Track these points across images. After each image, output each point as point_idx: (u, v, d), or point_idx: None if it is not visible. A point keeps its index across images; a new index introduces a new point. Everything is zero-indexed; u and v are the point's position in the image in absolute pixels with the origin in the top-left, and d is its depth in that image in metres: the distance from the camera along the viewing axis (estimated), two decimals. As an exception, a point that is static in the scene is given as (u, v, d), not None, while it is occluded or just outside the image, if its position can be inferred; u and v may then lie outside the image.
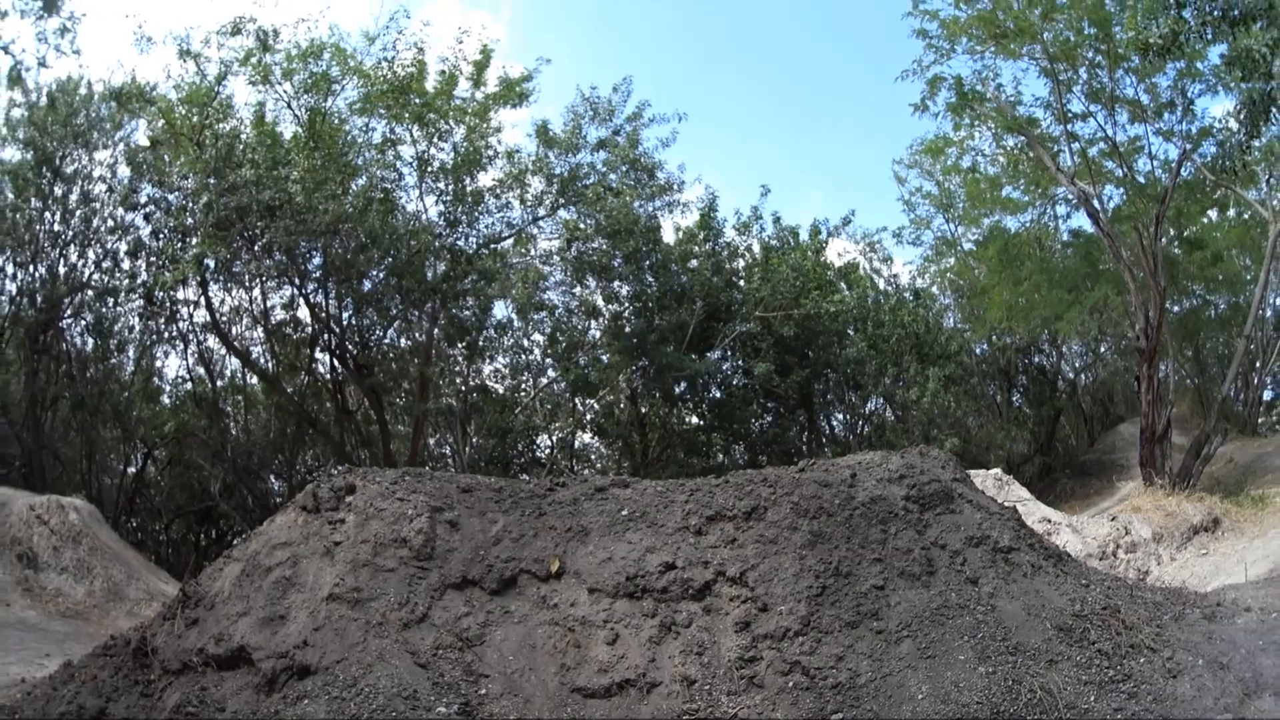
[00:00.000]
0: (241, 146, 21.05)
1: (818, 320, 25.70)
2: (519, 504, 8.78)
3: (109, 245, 25.78)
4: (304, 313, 23.54)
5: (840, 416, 31.05)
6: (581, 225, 24.38)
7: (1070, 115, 21.57)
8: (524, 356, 27.36)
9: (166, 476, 29.13)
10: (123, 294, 25.65)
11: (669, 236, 26.40)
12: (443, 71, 22.29)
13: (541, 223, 24.79)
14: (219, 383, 27.36)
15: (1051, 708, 6.74)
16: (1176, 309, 27.91)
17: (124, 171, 25.41)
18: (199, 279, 22.50)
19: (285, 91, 21.76)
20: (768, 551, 8.00)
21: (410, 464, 21.22)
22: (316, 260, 22.08)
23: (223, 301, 24.68)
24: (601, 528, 8.43)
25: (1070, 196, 22.91)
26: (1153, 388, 20.56)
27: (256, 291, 23.87)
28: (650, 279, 25.26)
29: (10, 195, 25.02)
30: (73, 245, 25.56)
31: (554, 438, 28.36)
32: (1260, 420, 30.18)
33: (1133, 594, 8.33)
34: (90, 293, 25.86)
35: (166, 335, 27.34)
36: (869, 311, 27.78)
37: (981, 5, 20.72)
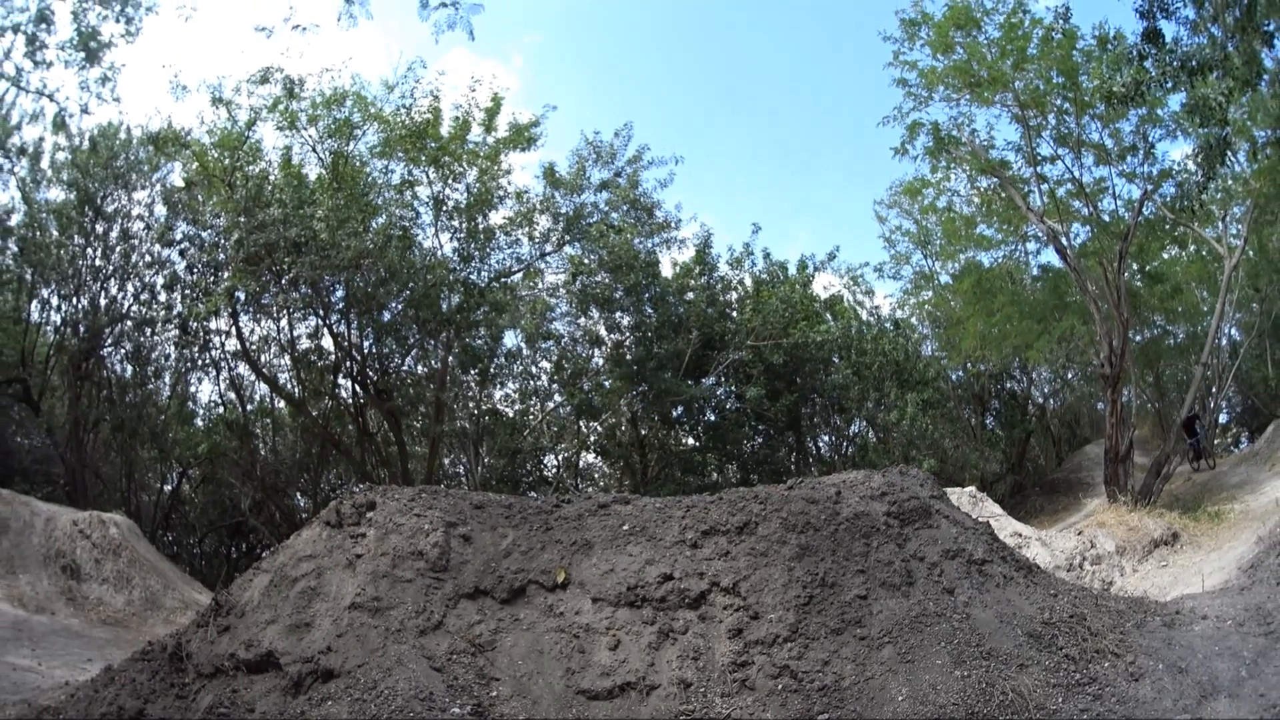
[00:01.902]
0: (270, 187, 21.15)
1: (805, 349, 25.76)
2: (527, 519, 8.81)
3: (147, 279, 25.96)
4: (328, 342, 23.61)
5: (826, 438, 31.14)
6: (585, 260, 24.49)
7: (1040, 158, 21.77)
8: (532, 382, 27.46)
9: (200, 494, 29.14)
10: (159, 324, 25.74)
11: (667, 271, 26.52)
12: (457, 118, 22.43)
13: (548, 258, 24.96)
14: (249, 407, 27.43)
15: (1022, 709, 6.76)
16: (1138, 338, 28.02)
17: (160, 210, 25.70)
18: (230, 310, 22.56)
19: (310, 136, 21.89)
20: (759, 563, 8.03)
21: (426, 482, 21.19)
22: (339, 293, 22.13)
23: (252, 331, 24.77)
24: (604, 541, 8.46)
25: (1040, 234, 23.06)
26: (1116, 411, 20.61)
27: (284, 322, 23.92)
28: (649, 310, 25.33)
29: (55, 232, 25.18)
30: (113, 279, 25.69)
31: (560, 458, 28.35)
32: (1216, 441, 30.19)
33: (1098, 603, 8.35)
34: (129, 323, 25.98)
35: (200, 362, 27.49)
36: (852, 340, 27.84)
37: (957, 56, 20.92)
